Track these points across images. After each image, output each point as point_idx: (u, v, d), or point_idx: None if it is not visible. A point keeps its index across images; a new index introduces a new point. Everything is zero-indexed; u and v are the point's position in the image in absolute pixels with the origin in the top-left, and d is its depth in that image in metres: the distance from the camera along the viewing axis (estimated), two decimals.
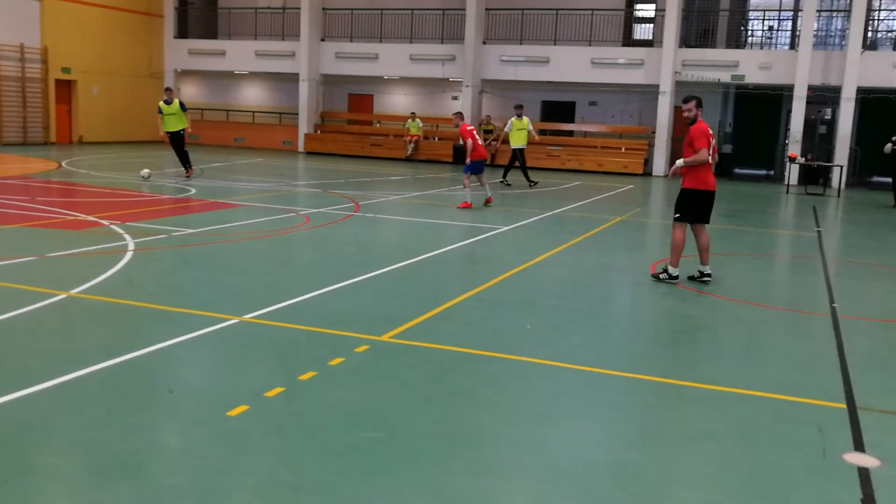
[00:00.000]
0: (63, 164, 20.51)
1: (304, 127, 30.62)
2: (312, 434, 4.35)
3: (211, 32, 33.34)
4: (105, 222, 11.09)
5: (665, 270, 8.81)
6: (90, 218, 11.47)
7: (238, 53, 31.43)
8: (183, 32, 32.96)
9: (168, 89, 18.93)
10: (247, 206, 13.85)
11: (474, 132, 14.74)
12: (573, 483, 3.96)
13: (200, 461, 4.01)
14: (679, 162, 8.60)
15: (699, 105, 8.65)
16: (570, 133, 28.96)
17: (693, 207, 8.65)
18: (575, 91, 28.38)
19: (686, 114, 8.63)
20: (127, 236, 9.95)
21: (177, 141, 18.29)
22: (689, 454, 4.39)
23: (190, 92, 33.93)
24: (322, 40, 30.56)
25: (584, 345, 6.42)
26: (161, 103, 18.28)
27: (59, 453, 4.05)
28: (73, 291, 7.14)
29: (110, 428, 4.34)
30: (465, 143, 14.56)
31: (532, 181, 20.00)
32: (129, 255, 8.88)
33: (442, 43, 29.18)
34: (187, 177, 17.90)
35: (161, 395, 4.88)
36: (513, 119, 19.59)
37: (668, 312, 7.74)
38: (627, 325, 7.38)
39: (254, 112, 33.22)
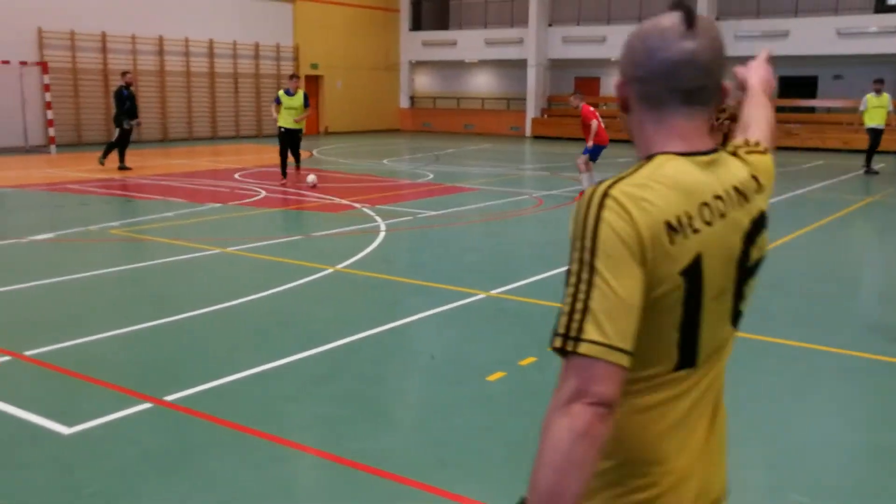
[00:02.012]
0: (314, 152, 22.32)
1: (531, 112, 31.09)
2: None
3: (443, 23, 34.69)
4: (357, 205, 12.08)
5: None
6: (344, 202, 12.54)
7: (468, 42, 32.48)
8: (417, 25, 34.54)
9: (294, 76, 15.03)
10: (481, 189, 14.45)
11: (597, 113, 13.08)
12: (818, 460, 3.97)
13: (465, 419, 4.45)
14: None
15: None
16: (812, 109, 27.20)
17: None
18: (816, 65, 26.58)
19: None
20: (378, 218, 10.81)
21: (293, 140, 14.67)
22: None
23: (423, 82, 35.52)
24: (549, 25, 30.81)
25: (834, 327, 6.23)
26: (281, 93, 14.57)
27: (340, 405, 4.63)
28: (339, 266, 7.95)
29: (382, 385, 4.90)
30: (589, 124, 12.82)
31: (871, 168, 17.29)
32: (381, 234, 9.68)
33: None
34: (283, 184, 14.34)
35: (424, 359, 5.40)
36: (869, 95, 17.00)
37: None
38: (880, 308, 7.03)
39: (483, 99, 34.18)
